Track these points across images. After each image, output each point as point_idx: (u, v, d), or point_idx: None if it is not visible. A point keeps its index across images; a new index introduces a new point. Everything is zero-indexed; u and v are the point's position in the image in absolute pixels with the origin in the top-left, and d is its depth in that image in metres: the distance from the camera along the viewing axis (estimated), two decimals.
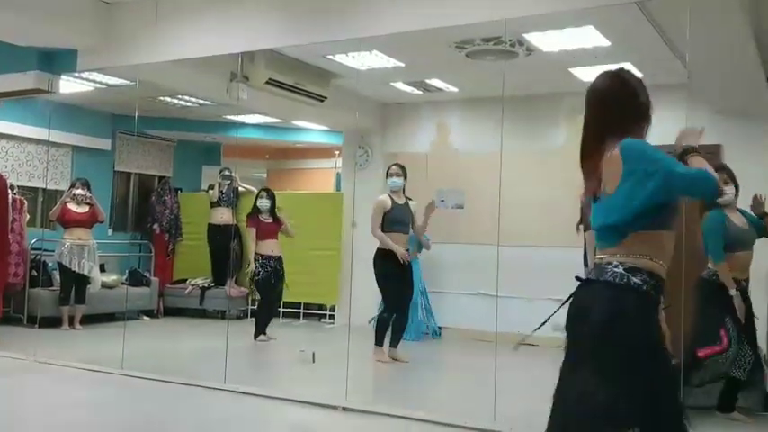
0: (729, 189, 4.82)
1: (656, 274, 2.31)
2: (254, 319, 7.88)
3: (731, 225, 4.80)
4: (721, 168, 4.83)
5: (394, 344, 6.58)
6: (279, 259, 7.66)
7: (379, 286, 6.59)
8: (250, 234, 7.65)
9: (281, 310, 8.98)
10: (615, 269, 2.29)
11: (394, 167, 6.64)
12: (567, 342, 2.40)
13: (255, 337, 7.52)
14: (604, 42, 5.90)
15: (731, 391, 4.81)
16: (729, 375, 4.76)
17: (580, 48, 6.11)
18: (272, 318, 7.92)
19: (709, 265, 4.85)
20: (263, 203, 7.70)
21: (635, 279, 2.28)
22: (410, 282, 6.68)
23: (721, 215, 4.80)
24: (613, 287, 2.28)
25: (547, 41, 6.05)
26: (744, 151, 7.07)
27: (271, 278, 7.57)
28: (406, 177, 6.62)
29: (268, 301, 7.77)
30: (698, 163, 2.39)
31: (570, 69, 6.80)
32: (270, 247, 7.61)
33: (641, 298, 2.28)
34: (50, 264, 8.24)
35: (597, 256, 2.40)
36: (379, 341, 6.54)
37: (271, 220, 7.70)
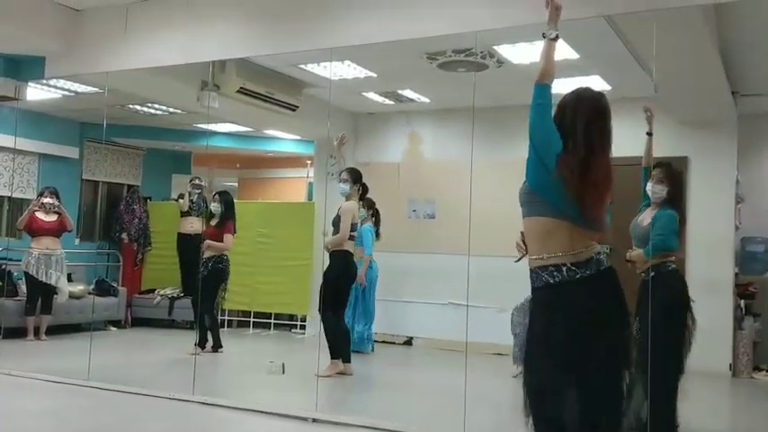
0: (659, 188, 4.45)
1: None
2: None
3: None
4: (660, 165, 4.54)
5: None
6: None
7: (343, 291, 6.47)
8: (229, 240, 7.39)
9: (252, 320, 8.91)
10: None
11: (343, 173, 6.55)
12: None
13: (219, 347, 7.41)
14: (573, 55, 5.97)
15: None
16: None
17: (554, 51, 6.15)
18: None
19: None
20: (215, 208, 7.45)
21: None
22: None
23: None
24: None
25: (517, 54, 6.11)
26: (710, 163, 7.21)
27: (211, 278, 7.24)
28: (355, 182, 6.51)
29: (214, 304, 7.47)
30: None
31: None
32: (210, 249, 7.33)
33: None
34: (15, 273, 8.09)
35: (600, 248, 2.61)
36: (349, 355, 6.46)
37: (214, 224, 7.42)
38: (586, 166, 2.54)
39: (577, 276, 2.54)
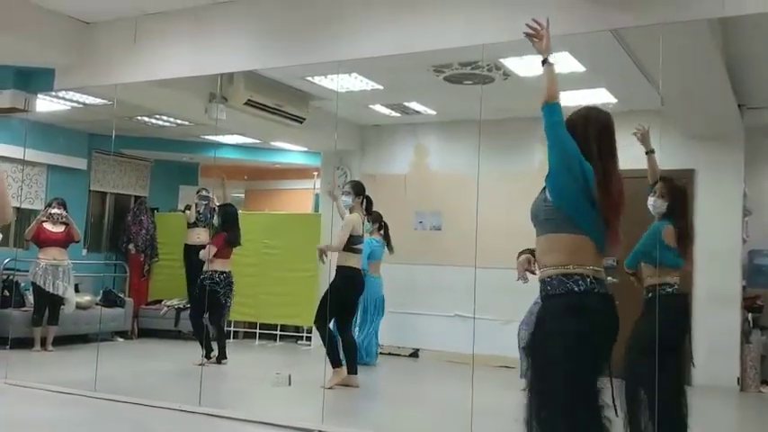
0: (660, 203, 4.39)
1: None
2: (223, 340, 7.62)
3: None
4: (662, 180, 4.47)
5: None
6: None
7: (352, 305, 6.51)
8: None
9: (258, 331, 8.90)
10: None
11: (345, 186, 6.60)
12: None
13: (223, 359, 7.39)
14: (579, 68, 5.98)
15: None
16: None
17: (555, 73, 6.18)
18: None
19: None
20: (217, 220, 7.52)
21: None
22: None
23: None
24: None
25: (523, 66, 6.12)
26: (717, 175, 7.20)
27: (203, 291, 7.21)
28: (357, 194, 6.52)
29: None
30: None
31: None
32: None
33: None
34: (23, 284, 8.12)
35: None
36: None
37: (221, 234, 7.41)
38: (609, 185, 2.65)
39: (596, 290, 2.62)
